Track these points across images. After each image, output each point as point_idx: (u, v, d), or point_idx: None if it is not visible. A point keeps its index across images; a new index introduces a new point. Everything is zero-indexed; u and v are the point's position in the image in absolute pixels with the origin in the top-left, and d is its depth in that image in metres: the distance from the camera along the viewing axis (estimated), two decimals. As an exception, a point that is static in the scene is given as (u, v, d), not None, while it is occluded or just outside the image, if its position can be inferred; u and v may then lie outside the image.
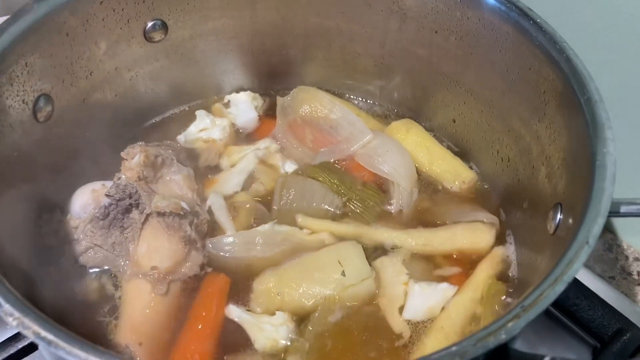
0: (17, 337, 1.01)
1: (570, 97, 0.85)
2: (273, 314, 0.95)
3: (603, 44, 1.04)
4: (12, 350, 0.99)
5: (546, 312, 1.12)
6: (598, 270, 1.28)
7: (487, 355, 0.68)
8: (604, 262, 1.29)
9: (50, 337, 0.56)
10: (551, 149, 0.93)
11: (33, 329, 0.56)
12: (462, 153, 1.20)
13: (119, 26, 1.06)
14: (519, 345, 0.72)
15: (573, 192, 0.83)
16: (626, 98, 1.04)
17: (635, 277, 1.26)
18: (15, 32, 0.88)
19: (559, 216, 0.85)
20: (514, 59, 0.99)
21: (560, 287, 0.62)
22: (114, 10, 1.03)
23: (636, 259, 1.27)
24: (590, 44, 0.99)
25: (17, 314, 0.58)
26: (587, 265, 1.26)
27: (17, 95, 0.91)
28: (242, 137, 1.24)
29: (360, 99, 1.32)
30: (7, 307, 0.58)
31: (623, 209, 0.78)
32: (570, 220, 0.79)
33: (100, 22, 1.03)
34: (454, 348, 0.57)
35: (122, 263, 0.99)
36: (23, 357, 1.00)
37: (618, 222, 1.29)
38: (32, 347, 1.01)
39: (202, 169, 1.16)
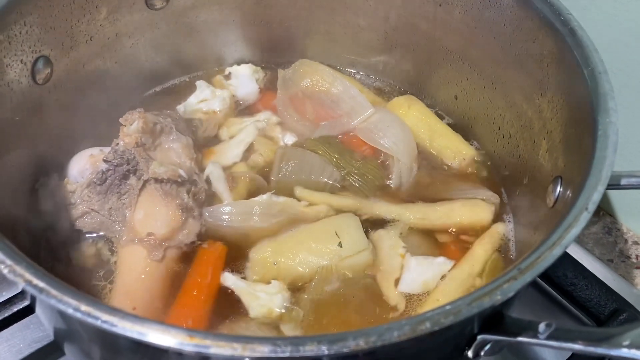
0: (11, 300, 1.01)
1: (573, 69, 0.85)
2: (268, 282, 0.94)
3: (608, 17, 1.03)
4: (6, 313, 0.99)
5: (543, 291, 1.13)
6: (597, 253, 1.27)
7: (483, 322, 0.68)
8: (603, 245, 1.28)
9: (41, 284, 0.55)
10: (553, 123, 0.92)
11: (24, 277, 0.56)
12: (463, 130, 1.19)
13: (120, -10, 1.05)
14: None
15: (574, 164, 0.82)
16: (631, 75, 1.03)
17: (634, 260, 1.25)
18: (15, -10, 0.87)
19: (558, 189, 0.85)
20: (517, 32, 0.98)
21: (557, 252, 0.62)
22: (115, -26, 1.03)
23: (635, 243, 1.27)
24: (595, 17, 0.97)
25: (9, 261, 0.57)
26: (586, 248, 1.25)
27: (15, 55, 0.90)
28: (242, 109, 1.23)
29: (362, 74, 1.31)
30: (-1, 254, 0.58)
31: (624, 181, 0.78)
32: (569, 192, 0.79)
33: (101, -14, 1.02)
34: (447, 307, 0.57)
35: (119, 229, 0.98)
36: (16, 322, 1.00)
37: (618, 206, 1.28)
38: (25, 312, 1.01)
39: (201, 140, 1.15)
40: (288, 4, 1.22)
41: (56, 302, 0.55)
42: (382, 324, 0.56)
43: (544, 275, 1.11)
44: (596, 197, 0.66)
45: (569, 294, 1.09)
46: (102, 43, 1.08)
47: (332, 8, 1.21)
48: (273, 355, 0.52)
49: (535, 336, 0.63)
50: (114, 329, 0.53)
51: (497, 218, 1.06)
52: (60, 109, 1.02)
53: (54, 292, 0.55)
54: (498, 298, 0.58)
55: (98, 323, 0.53)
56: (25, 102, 0.94)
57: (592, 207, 0.66)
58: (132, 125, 1.01)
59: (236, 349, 0.52)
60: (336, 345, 0.53)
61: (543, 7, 0.91)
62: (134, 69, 1.17)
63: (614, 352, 0.58)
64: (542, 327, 0.63)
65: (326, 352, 0.53)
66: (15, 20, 0.88)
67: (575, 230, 0.64)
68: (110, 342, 0.66)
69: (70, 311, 0.54)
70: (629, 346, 0.57)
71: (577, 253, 1.18)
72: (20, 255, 0.59)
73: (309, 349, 0.53)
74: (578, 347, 0.61)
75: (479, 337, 0.68)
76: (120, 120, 1.02)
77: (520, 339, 0.64)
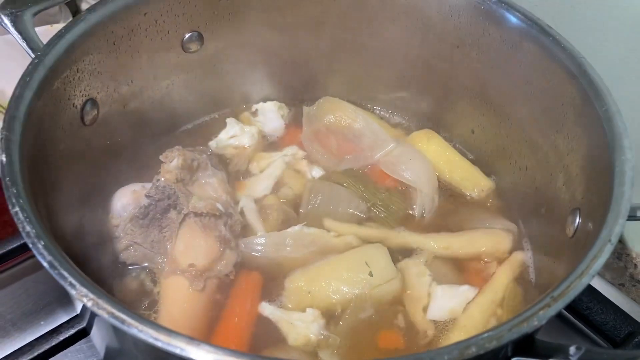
0: (57, 330, 1.06)
1: (588, 109, 0.91)
2: (304, 310, 0.99)
3: (619, 57, 1.11)
4: (54, 342, 1.03)
5: (559, 316, 1.19)
6: (608, 278, 1.33)
7: (515, 346, 0.73)
8: (614, 270, 1.34)
9: (123, 316, 0.61)
10: (569, 158, 0.99)
11: (107, 309, 0.62)
12: (481, 162, 1.25)
13: (159, 36, 1.12)
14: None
15: (592, 197, 0.88)
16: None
17: (644, 284, 1.31)
18: (70, 40, 0.94)
19: (577, 220, 0.91)
20: (533, 73, 1.05)
21: (586, 280, 0.68)
22: (156, 22, 1.09)
23: (644, 267, 1.33)
24: (606, 58, 1.04)
25: (91, 295, 0.63)
26: (598, 273, 1.31)
27: (69, 99, 0.97)
28: (269, 144, 1.30)
29: (382, 109, 1.38)
30: (83, 289, 0.63)
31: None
32: (590, 224, 0.85)
33: (143, 33, 1.09)
34: (491, 332, 0.63)
35: (161, 260, 1.04)
36: (65, 348, 1.05)
37: (627, 232, 1.34)
38: (71, 340, 1.06)
39: (233, 174, 1.21)
40: (311, 46, 1.28)
41: (137, 332, 0.60)
42: (431, 349, 0.61)
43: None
44: (618, 230, 0.73)
45: (585, 318, 1.14)
46: (141, 85, 1.15)
47: (353, 49, 1.28)
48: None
49: (566, 358, 0.69)
50: (191, 356, 0.59)
51: (516, 246, 1.12)
52: (104, 148, 1.09)
53: (135, 323, 0.61)
54: (535, 324, 0.64)
55: (177, 351, 0.59)
56: (75, 143, 1.00)
57: (614, 239, 0.72)
58: (172, 162, 1.07)
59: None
60: (393, 369, 0.59)
61: (557, 51, 0.98)
62: (169, 107, 1.23)
63: (640, 372, 0.64)
64: (572, 350, 0.68)
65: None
66: (70, 66, 0.95)
67: (601, 261, 0.70)
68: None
69: (150, 340, 0.60)
70: (655, 367, 0.63)
71: (591, 278, 1.23)
72: (99, 288, 0.65)
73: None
74: (607, 368, 0.66)
75: (513, 360, 0.73)
76: (161, 157, 1.08)
77: (551, 360, 0.70)
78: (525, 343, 0.73)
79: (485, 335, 0.62)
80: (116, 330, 0.77)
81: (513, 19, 1.04)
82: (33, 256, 1.19)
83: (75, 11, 1.70)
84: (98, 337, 0.88)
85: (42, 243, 0.67)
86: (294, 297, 1.02)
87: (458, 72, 1.21)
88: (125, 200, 1.08)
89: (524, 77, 1.08)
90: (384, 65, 1.30)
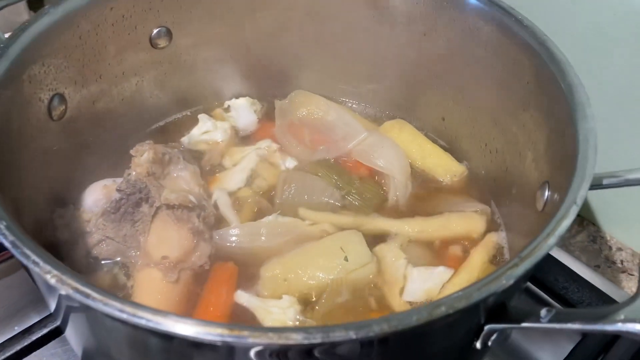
0: (30, 329, 1.04)
1: (552, 84, 0.92)
2: (280, 298, 0.99)
3: (581, 38, 1.13)
4: (26, 342, 1.02)
5: (536, 297, 1.20)
6: (584, 260, 1.34)
7: (488, 313, 0.73)
8: (589, 253, 1.35)
9: (87, 290, 0.60)
10: (536, 135, 1.00)
11: (72, 285, 0.61)
12: (452, 148, 1.26)
13: (127, 32, 1.12)
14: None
15: (559, 169, 0.89)
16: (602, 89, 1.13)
17: (619, 265, 1.32)
18: (34, 33, 0.94)
19: (547, 193, 0.92)
20: (498, 55, 1.06)
21: (552, 241, 0.68)
22: (123, 17, 1.10)
23: (619, 249, 1.34)
24: (569, 38, 1.07)
25: (55, 271, 0.62)
26: (574, 255, 1.32)
27: (35, 93, 0.96)
28: (242, 138, 1.30)
29: (353, 101, 1.39)
30: (47, 266, 0.62)
31: (605, 181, 0.85)
32: (557, 194, 0.86)
33: (110, 28, 1.09)
34: (460, 292, 0.63)
35: (133, 254, 1.03)
36: (36, 350, 1.03)
37: (600, 215, 1.36)
38: (44, 340, 1.04)
39: (206, 168, 1.21)
40: (281, 41, 1.29)
41: (102, 305, 0.59)
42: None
43: (538, 281, 1.18)
44: (583, 193, 0.74)
45: (562, 297, 1.15)
46: (110, 81, 1.14)
47: (324, 43, 1.29)
48: (306, 341, 0.57)
49: (537, 321, 0.69)
50: (159, 327, 0.58)
51: (490, 227, 1.13)
52: (74, 144, 1.08)
53: (99, 296, 0.60)
54: (503, 283, 0.64)
55: (143, 322, 0.58)
56: (44, 137, 0.99)
57: (580, 201, 0.73)
58: (143, 155, 1.07)
59: (272, 338, 0.57)
60: (362, 330, 0.59)
61: (520, 31, 1.00)
62: (140, 105, 1.23)
63: (609, 328, 0.64)
64: (543, 312, 0.69)
65: (354, 337, 0.58)
66: (35, 60, 0.95)
67: (567, 222, 0.70)
68: (142, 346, 0.71)
69: (116, 313, 0.59)
70: (624, 321, 0.63)
71: (566, 260, 1.25)
72: (62, 265, 0.64)
73: (338, 335, 0.58)
74: (577, 326, 0.66)
75: (486, 327, 0.73)
76: (131, 151, 1.07)
77: (524, 324, 0.70)
78: (498, 310, 0.73)
79: (454, 295, 0.62)
80: (90, 324, 0.76)
81: (474, 2, 1.06)
82: (3, 261, 1.19)
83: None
84: (73, 335, 0.86)
85: (4, 224, 0.66)
86: (270, 285, 1.01)
87: (426, 60, 1.22)
88: (97, 195, 1.07)
89: (489, 60, 1.09)
90: (354, 57, 1.31)
